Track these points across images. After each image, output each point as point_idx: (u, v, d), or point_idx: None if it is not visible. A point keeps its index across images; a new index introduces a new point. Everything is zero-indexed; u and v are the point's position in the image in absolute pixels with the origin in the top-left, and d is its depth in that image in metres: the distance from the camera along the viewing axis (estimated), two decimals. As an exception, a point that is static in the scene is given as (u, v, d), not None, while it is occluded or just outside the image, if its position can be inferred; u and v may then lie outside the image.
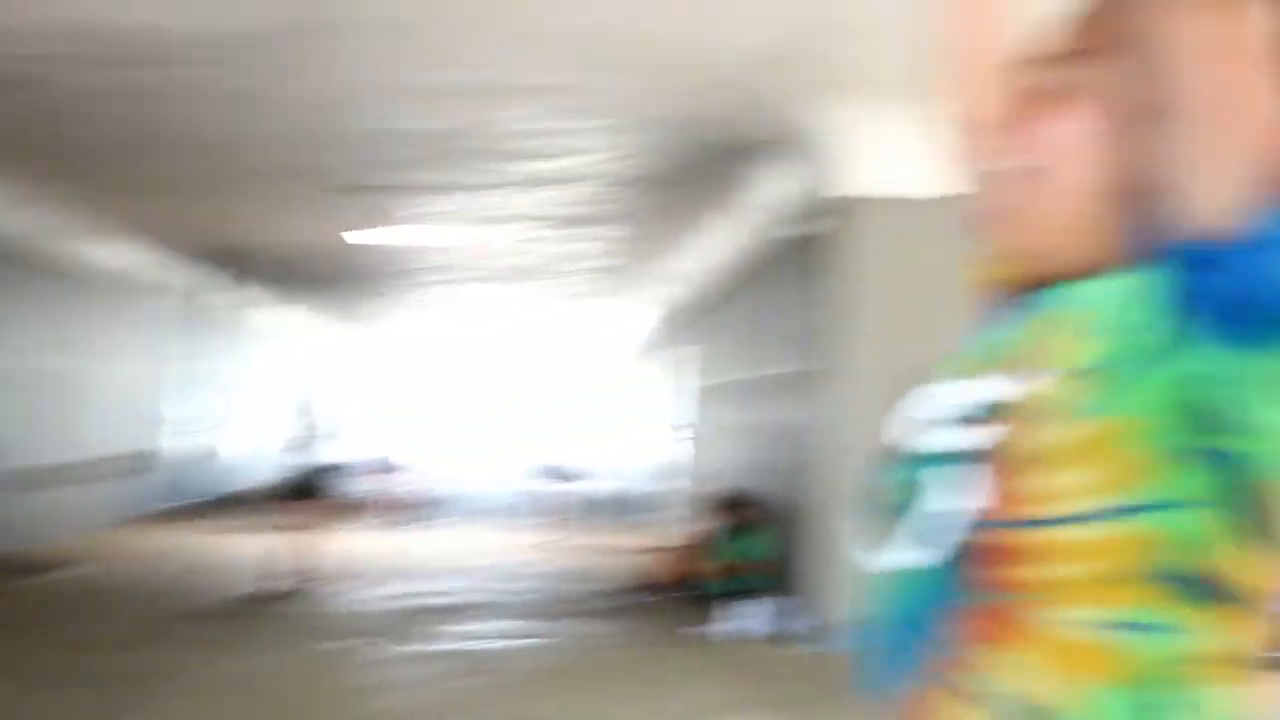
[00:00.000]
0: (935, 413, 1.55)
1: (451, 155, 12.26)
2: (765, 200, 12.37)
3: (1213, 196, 1.33)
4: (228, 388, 20.06)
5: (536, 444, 20.19)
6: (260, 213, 15.73)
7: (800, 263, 10.94)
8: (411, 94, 10.22)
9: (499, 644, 9.64)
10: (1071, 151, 1.53)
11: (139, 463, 19.58)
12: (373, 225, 16.34)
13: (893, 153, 9.75)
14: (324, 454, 12.77)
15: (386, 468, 18.67)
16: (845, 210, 9.84)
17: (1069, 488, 1.39)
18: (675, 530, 15.56)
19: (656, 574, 11.71)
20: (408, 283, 23.60)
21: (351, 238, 17.18)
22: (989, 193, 1.68)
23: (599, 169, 12.84)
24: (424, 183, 13.62)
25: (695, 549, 11.80)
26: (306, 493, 12.62)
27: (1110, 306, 1.43)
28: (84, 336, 17.21)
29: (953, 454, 1.49)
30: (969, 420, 1.50)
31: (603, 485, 23.18)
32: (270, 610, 11.24)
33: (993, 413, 1.47)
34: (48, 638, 9.75)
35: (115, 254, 17.61)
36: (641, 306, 25.17)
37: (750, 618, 10.12)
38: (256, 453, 18.31)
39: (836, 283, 9.86)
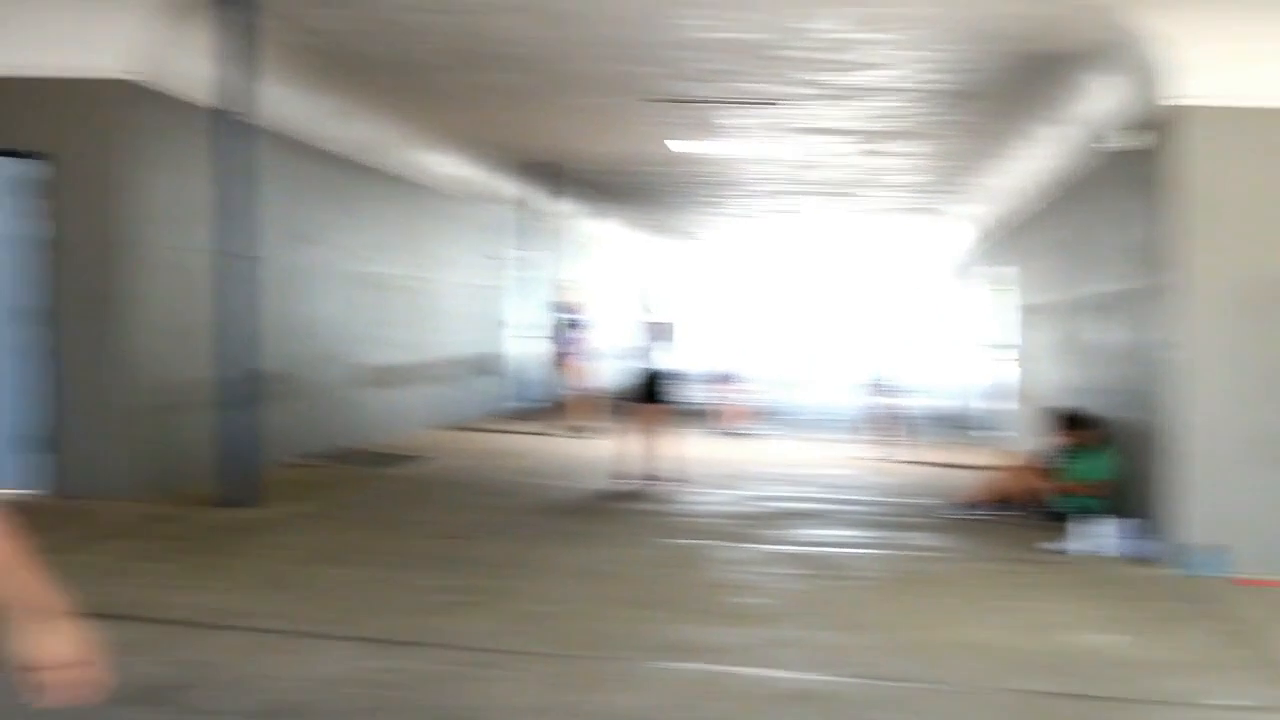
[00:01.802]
0: None
1: (767, 65, 12.21)
2: (1091, 112, 11.86)
3: None
4: (558, 294, 20.62)
5: (864, 359, 19.99)
6: (583, 123, 16.01)
7: (1131, 176, 10.47)
8: (724, 4, 10.22)
9: (845, 551, 9.68)
10: None
11: (483, 365, 20.38)
12: (693, 136, 16.46)
13: (1229, 58, 9.21)
14: (665, 361, 13.00)
15: (723, 377, 18.89)
16: (1179, 120, 9.35)
17: None
18: (1013, 449, 15.27)
19: (1001, 490, 11.52)
20: (729, 194, 23.71)
21: (675, 146, 17.35)
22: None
23: (914, 82, 12.59)
24: (739, 93, 13.61)
25: (1035, 468, 11.56)
26: (649, 397, 12.92)
27: None
28: (428, 242, 17.92)
29: None
30: None
31: (930, 402, 22.93)
32: (617, 507, 11.56)
33: None
34: (407, 525, 10.26)
35: (448, 163, 18.22)
36: (958, 223, 24.66)
37: (1104, 537, 9.87)
38: (601, 357, 18.80)
39: (1172, 196, 9.40)
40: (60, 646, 2.19)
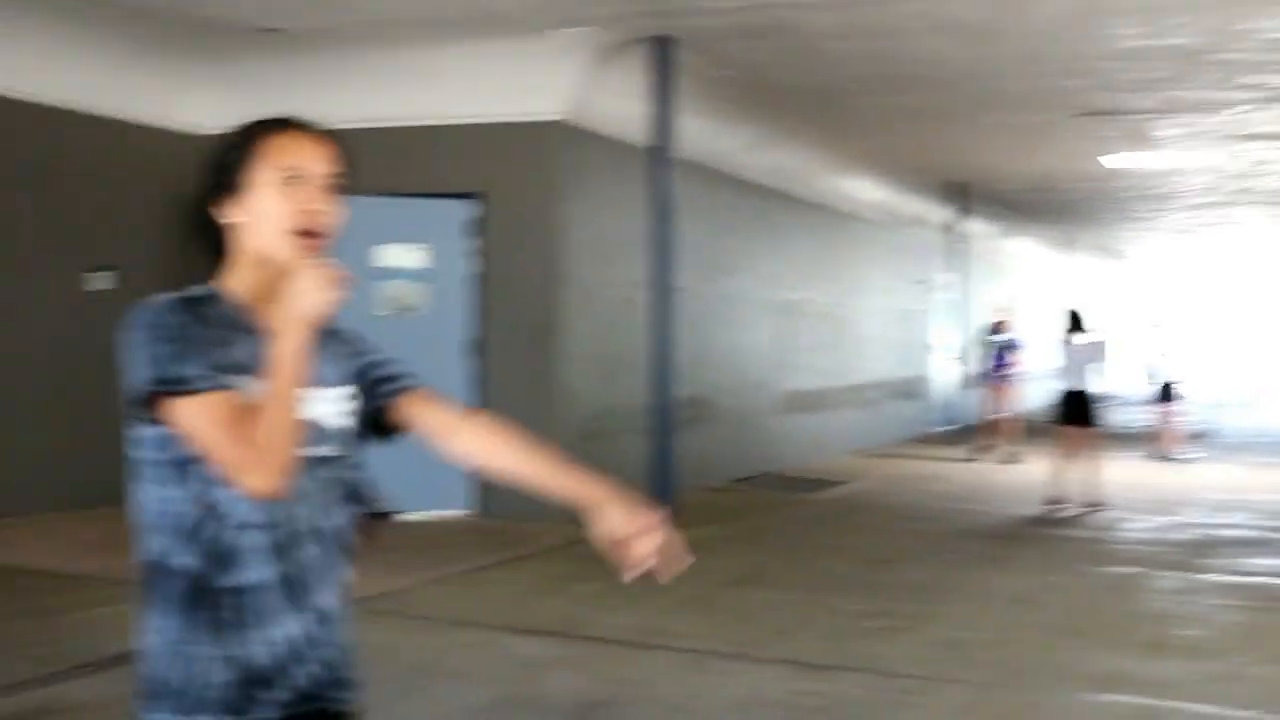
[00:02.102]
0: None
1: (1206, 71, 11.60)
2: None
3: None
4: (981, 316, 20.25)
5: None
6: (1006, 142, 15.68)
7: None
8: (1161, 10, 9.78)
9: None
10: None
11: (905, 389, 20.25)
12: (1127, 148, 15.85)
13: None
14: (1096, 383, 12.57)
15: (1158, 399, 18.04)
16: None
17: None
18: None
19: None
20: (1163, 208, 22.69)
21: (1109, 161, 16.74)
22: None
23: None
24: (1175, 101, 13.00)
25: None
26: (1080, 420, 12.51)
27: None
28: (849, 268, 17.96)
29: None
30: None
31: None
32: (1046, 533, 11.24)
33: None
34: (827, 549, 10.29)
35: (867, 188, 18.19)
36: None
37: None
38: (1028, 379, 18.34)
39: None
40: (631, 521, 2.23)
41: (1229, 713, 5.94)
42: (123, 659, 6.29)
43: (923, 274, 21.09)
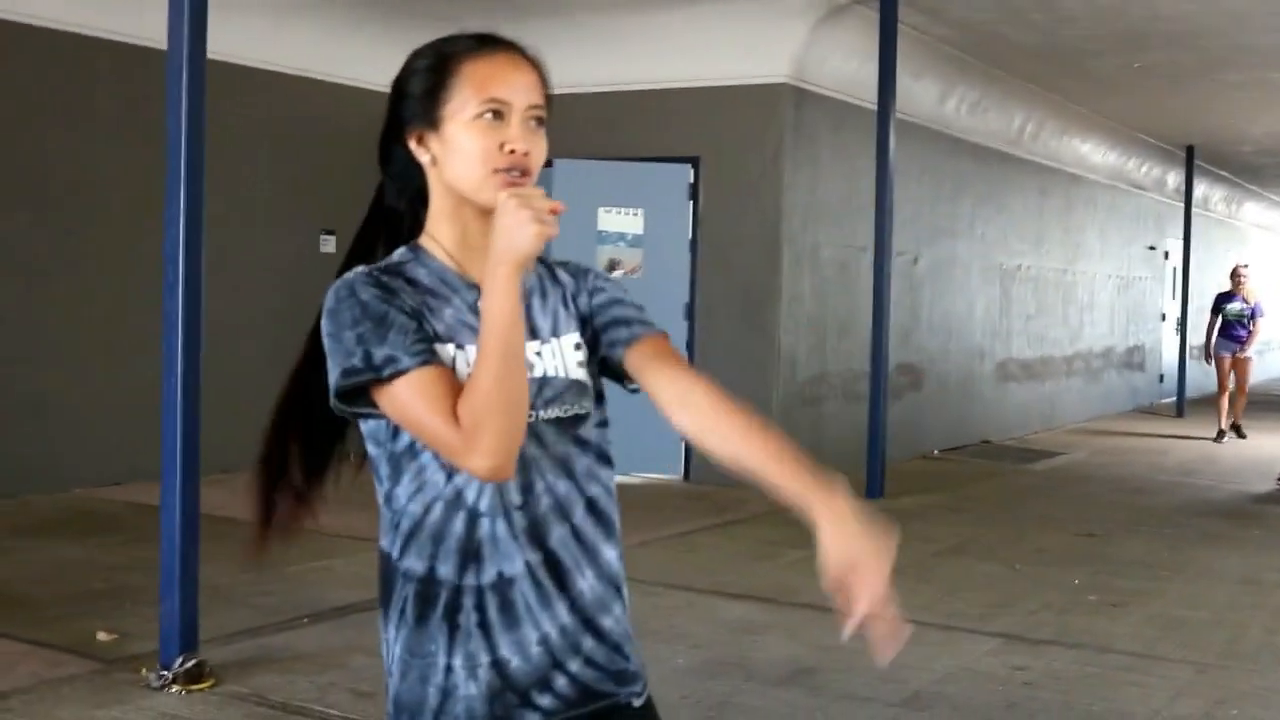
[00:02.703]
0: None
1: None
2: None
3: None
4: (1214, 284, 19.54)
5: None
6: (1248, 100, 15.06)
7: None
8: None
9: None
10: None
11: (1131, 359, 19.74)
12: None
13: None
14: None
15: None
16: None
17: None
18: None
19: None
20: None
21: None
22: None
23: None
24: None
25: None
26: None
27: None
28: (1076, 233, 17.53)
29: None
30: None
31: None
32: (1276, 511, 10.88)
33: None
34: (1045, 520, 10.10)
35: (1098, 151, 17.70)
36: None
37: None
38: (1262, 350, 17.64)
39: None
40: (848, 557, 1.79)
41: None
42: (343, 609, 6.56)
43: (1153, 240, 20.48)
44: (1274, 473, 12.27)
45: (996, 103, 14.28)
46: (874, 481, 10.42)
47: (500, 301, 1.81)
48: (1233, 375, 15.99)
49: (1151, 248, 20.38)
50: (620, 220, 11.24)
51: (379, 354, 1.84)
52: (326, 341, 1.91)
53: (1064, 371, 17.27)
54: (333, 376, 1.89)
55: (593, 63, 11.09)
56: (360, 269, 1.96)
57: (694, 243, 11.26)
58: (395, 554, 1.96)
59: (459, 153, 1.94)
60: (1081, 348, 17.83)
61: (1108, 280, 18.70)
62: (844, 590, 1.81)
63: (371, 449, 1.98)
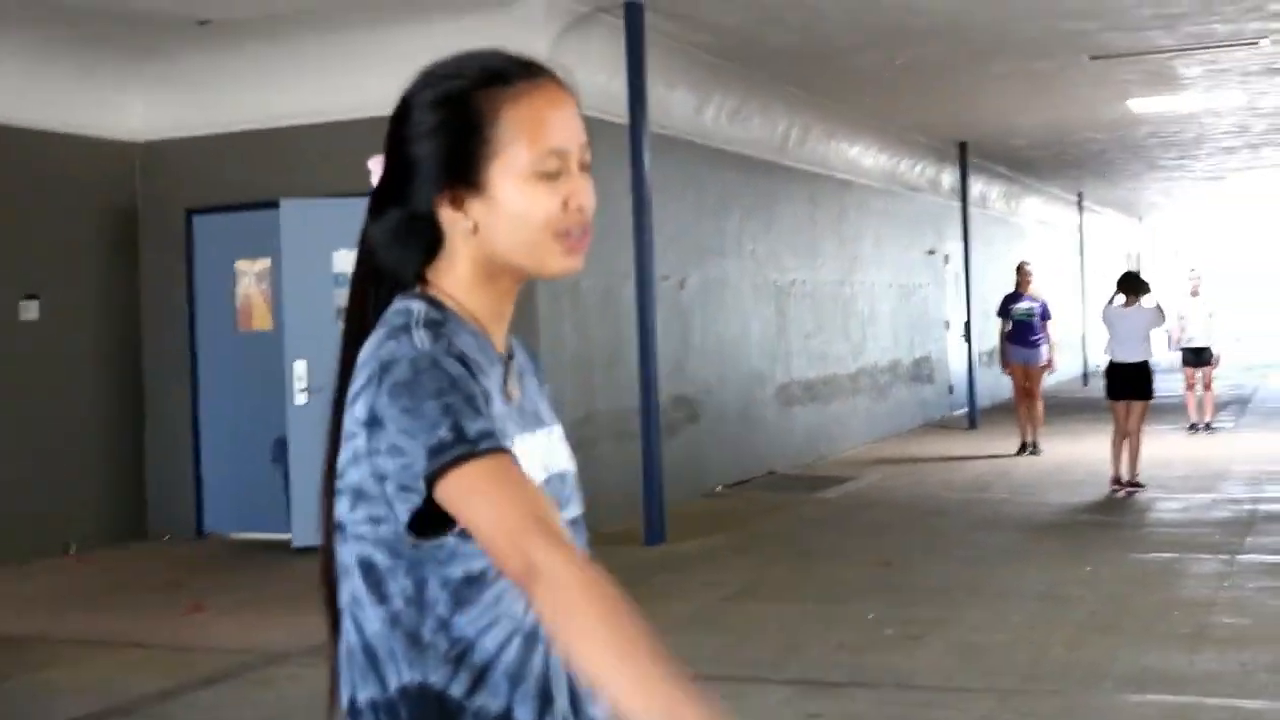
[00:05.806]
0: None
1: (1216, 3, 11.58)
2: None
3: None
4: (997, 285, 20.16)
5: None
6: (1016, 93, 15.63)
7: None
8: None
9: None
10: None
11: (917, 371, 20.22)
12: (1148, 92, 15.84)
13: None
14: (1138, 352, 12.39)
15: (1194, 363, 17.83)
16: None
17: None
18: None
19: None
20: (1193, 154, 22.66)
21: (1137, 105, 16.71)
22: None
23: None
24: (1210, 37, 12.95)
25: None
26: (1136, 392, 12.32)
27: None
28: (851, 242, 17.88)
29: None
30: None
31: None
32: (1073, 521, 11.25)
33: None
34: (837, 552, 10.28)
35: (867, 154, 18.14)
36: None
37: None
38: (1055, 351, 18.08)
39: None
40: None
41: (1263, 705, 5.94)
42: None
43: (932, 243, 21.03)
44: (1069, 479, 12.64)
45: (758, 109, 14.52)
46: (653, 526, 10.45)
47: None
48: (1028, 378, 16.17)
49: (931, 251, 20.94)
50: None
51: (473, 428, 1.62)
52: (399, 420, 1.64)
53: (849, 390, 17.60)
54: (414, 458, 1.63)
55: (313, 89, 10.94)
56: (424, 330, 1.71)
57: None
58: (461, 692, 1.73)
59: (514, 219, 1.75)
60: (866, 363, 18.20)
61: (888, 289, 19.14)
62: None
63: (382, 559, 1.73)
